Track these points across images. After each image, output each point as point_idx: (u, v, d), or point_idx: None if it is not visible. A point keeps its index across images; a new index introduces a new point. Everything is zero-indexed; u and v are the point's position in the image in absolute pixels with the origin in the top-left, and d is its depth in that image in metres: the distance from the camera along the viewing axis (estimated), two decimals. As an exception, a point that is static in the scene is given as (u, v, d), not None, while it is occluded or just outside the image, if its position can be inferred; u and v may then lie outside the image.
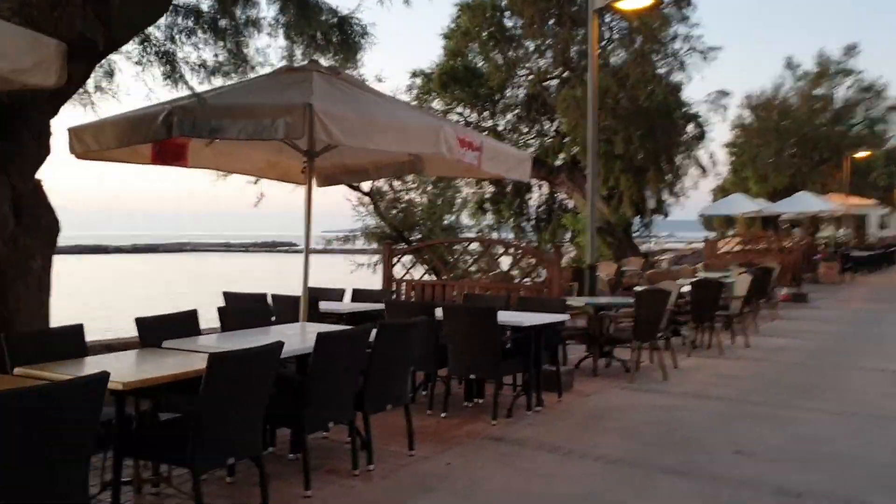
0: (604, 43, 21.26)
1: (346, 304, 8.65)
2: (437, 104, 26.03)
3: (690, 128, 20.45)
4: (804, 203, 27.65)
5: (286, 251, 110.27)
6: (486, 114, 25.49)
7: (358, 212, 12.05)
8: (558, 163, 23.79)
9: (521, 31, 21.73)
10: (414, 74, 25.65)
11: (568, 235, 25.29)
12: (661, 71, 20.26)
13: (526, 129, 25.87)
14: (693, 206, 29.23)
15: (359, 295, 9.33)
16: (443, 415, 7.30)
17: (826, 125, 33.48)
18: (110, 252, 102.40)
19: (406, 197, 12.41)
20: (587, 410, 7.84)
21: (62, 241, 6.40)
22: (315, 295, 9.49)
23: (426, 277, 12.67)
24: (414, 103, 26.06)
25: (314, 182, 9.06)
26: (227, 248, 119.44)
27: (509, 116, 25.85)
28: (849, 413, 7.79)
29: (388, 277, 9.88)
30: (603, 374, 9.73)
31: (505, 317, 7.40)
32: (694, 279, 11.73)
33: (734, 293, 12.59)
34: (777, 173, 32.80)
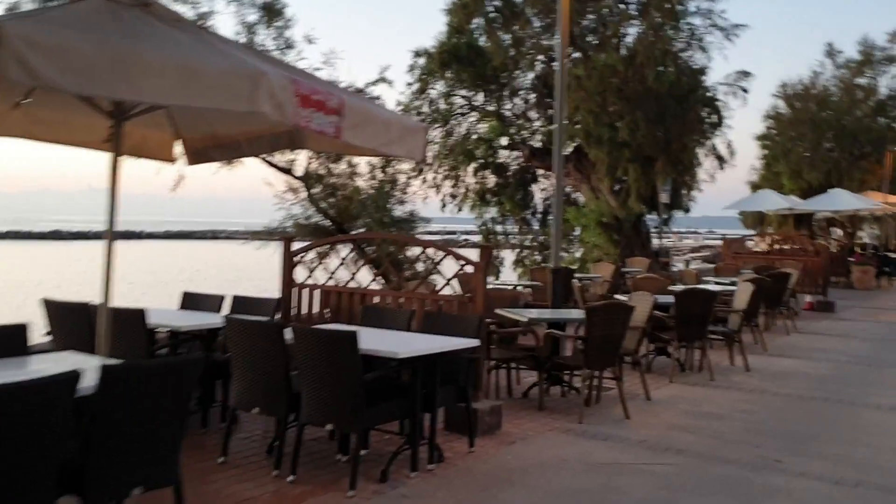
0: (617, 18, 19.16)
1: (183, 319, 6.73)
2: (440, 86, 24.24)
3: (707, 113, 18.22)
4: (838, 201, 25.18)
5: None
6: (493, 97, 23.53)
7: (285, 200, 10.28)
8: (565, 152, 21.69)
9: (524, 3, 19.68)
10: (417, 54, 23.81)
11: (578, 231, 23.22)
12: (679, 48, 18.05)
13: (536, 116, 23.83)
14: (726, 200, 26.79)
15: (240, 305, 7.49)
16: (290, 478, 5.43)
17: (868, 117, 30.83)
18: (143, 238, 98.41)
19: (349, 182, 10.58)
20: (497, 468, 5.92)
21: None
22: (190, 302, 7.72)
23: (374, 284, 10.79)
24: (416, 86, 24.34)
25: (184, 160, 7.29)
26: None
27: (517, 101, 23.88)
28: (851, 482, 5.78)
29: (286, 282, 8.03)
30: (553, 408, 7.81)
31: (379, 342, 5.52)
32: (680, 289, 9.71)
33: (736, 305, 10.55)
34: (812, 168, 30.28)
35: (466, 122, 24.51)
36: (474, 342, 5.99)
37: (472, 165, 22.86)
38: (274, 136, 6.55)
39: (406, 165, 10.94)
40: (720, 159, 19.68)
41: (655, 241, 24.30)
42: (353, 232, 10.68)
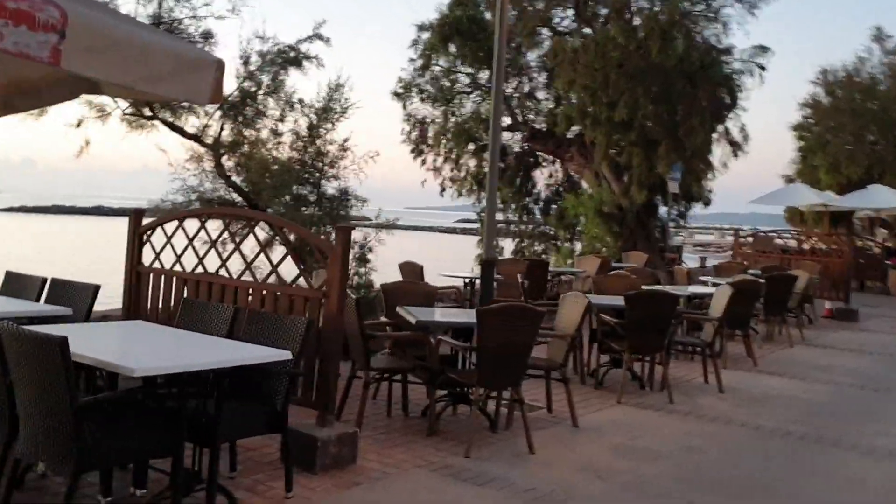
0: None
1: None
2: (444, 62, 22.63)
3: (723, 94, 16.27)
4: (877, 198, 22.92)
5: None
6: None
7: (187, 170, 8.75)
8: (570, 134, 19.91)
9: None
10: (421, 28, 22.24)
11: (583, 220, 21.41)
12: (691, 20, 16.14)
13: (545, 97, 22.05)
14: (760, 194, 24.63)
15: (56, 290, 6.03)
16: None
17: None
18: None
19: (266, 153, 9.05)
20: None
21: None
22: (13, 285, 6.32)
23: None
24: (420, 62, 22.73)
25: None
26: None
27: (523, 80, 22.12)
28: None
29: (131, 266, 6.53)
30: (448, 433, 6.24)
31: (123, 351, 4.00)
32: (634, 292, 7.99)
33: (711, 312, 8.83)
34: (851, 162, 27.92)
35: (470, 101, 22.89)
36: (284, 354, 4.42)
37: (470, 147, 21.17)
38: (71, 80, 5.03)
39: (339, 135, 9.36)
40: (734, 145, 17.71)
41: (674, 236, 22.47)
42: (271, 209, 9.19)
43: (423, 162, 22.85)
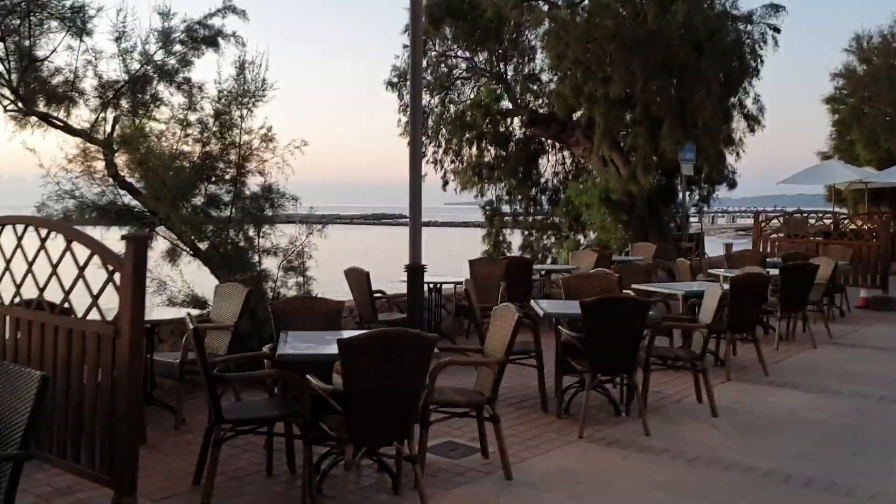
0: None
1: None
2: (438, 47, 21.16)
3: (733, 62, 14.47)
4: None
5: (389, 224, 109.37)
6: (494, 56, 20.28)
7: (66, 172, 7.33)
8: (575, 117, 18.24)
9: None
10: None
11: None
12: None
13: (548, 79, 20.38)
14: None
15: None
16: None
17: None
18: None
19: (166, 148, 7.61)
20: None
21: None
22: None
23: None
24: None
25: None
26: (337, 219, 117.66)
27: (526, 61, 20.51)
28: None
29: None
30: (336, 497, 4.78)
31: None
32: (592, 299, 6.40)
33: (700, 317, 7.24)
34: (891, 134, 25.77)
35: (469, 87, 21.39)
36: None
37: (466, 136, 19.67)
38: None
39: (256, 122, 7.96)
40: (750, 119, 15.87)
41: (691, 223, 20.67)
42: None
43: (423, 155, 21.39)
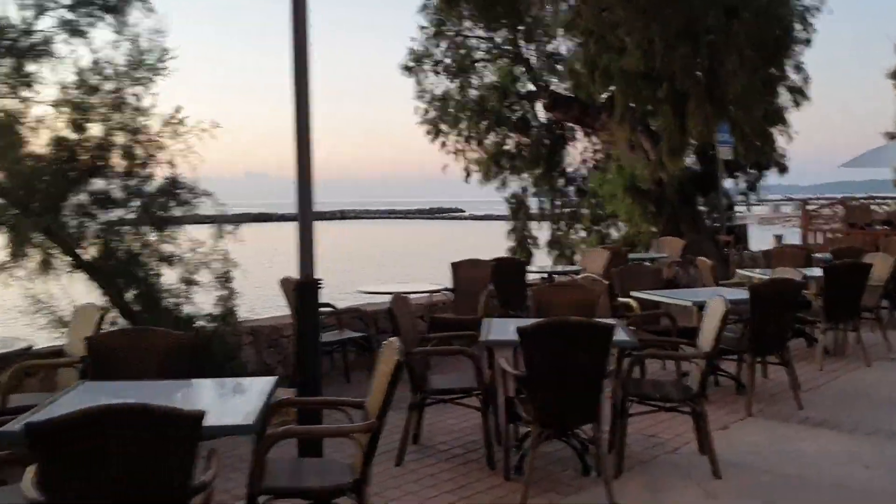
0: None
1: None
2: (455, 26, 19.50)
3: (778, 28, 12.42)
4: None
5: (444, 218, 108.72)
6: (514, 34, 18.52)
7: None
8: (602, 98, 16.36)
9: None
10: (430, -12, 19.23)
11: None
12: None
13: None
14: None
15: None
16: None
17: None
18: (275, 220, 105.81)
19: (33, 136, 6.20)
20: None
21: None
22: None
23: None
24: (432, 31, 19.65)
25: None
26: (391, 214, 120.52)
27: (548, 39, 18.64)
28: None
29: None
30: None
31: None
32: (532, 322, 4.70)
33: (700, 343, 5.47)
34: (966, 110, 23.15)
35: (489, 70, 19.65)
36: None
37: (485, 122, 17.98)
38: None
39: (152, 101, 6.48)
40: (794, 92, 13.76)
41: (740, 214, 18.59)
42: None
43: (444, 144, 19.78)
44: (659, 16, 11.14)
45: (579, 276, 7.43)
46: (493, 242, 19.91)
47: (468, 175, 19.82)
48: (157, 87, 6.62)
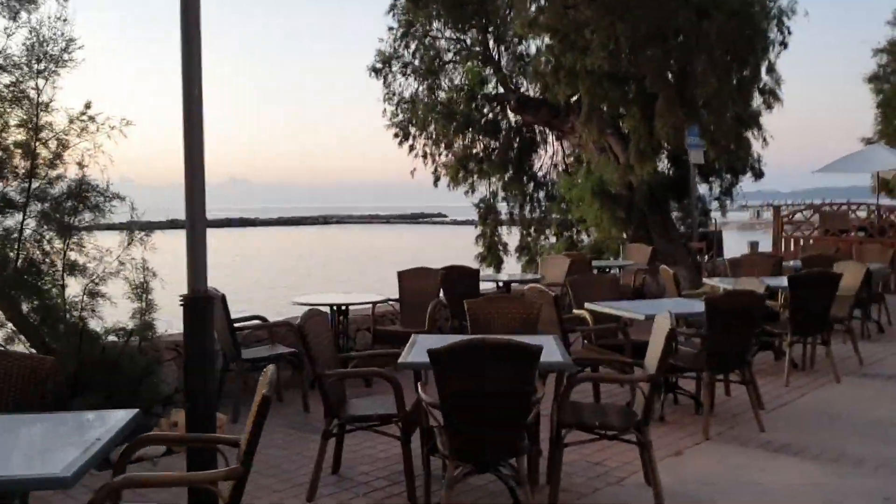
0: None
1: None
2: (422, 27, 19.00)
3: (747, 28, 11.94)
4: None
5: (427, 223, 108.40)
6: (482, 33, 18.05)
7: None
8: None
9: None
10: (400, -10, 18.75)
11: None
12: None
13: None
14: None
15: None
16: None
17: None
18: (257, 225, 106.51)
19: None
20: None
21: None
22: None
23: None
24: (401, 31, 19.11)
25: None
26: (372, 220, 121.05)
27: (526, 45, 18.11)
28: None
29: None
30: None
31: None
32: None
33: (646, 364, 4.94)
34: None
35: (458, 72, 19.13)
36: None
37: (452, 125, 17.46)
38: None
39: (63, 100, 5.89)
40: (767, 94, 13.29)
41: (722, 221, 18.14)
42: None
43: (412, 148, 19.25)
44: (627, 15, 10.64)
45: (527, 287, 6.88)
46: (471, 247, 19.43)
47: (437, 179, 19.32)
48: (72, 80, 6.03)
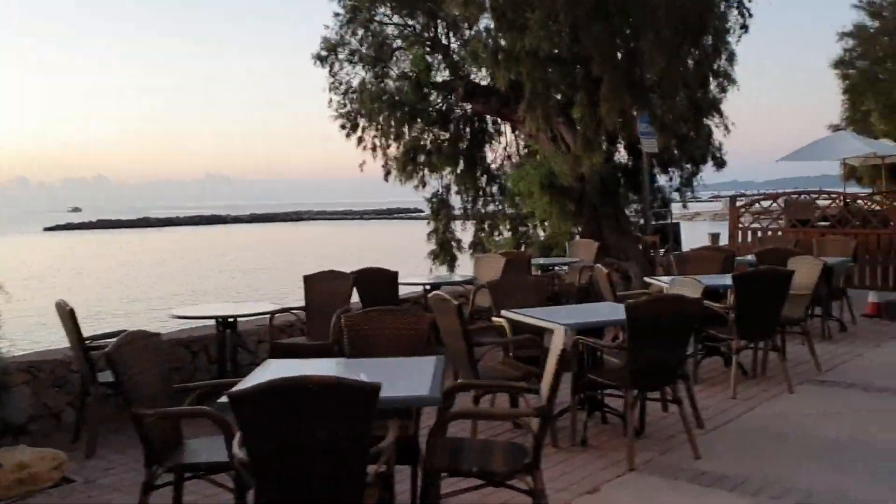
0: None
1: None
2: (367, 13, 18.04)
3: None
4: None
5: (403, 218, 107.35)
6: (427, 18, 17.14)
7: None
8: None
9: None
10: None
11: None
12: None
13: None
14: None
15: None
16: None
17: None
18: (228, 222, 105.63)
19: None
20: None
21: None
22: None
23: None
24: (347, 17, 18.14)
25: None
26: (345, 216, 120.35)
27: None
28: None
29: None
30: None
31: None
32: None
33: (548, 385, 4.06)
34: (911, 100, 22.34)
35: (407, 59, 18.19)
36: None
37: (398, 115, 16.55)
38: None
39: None
40: (720, 77, 12.45)
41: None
42: None
43: (361, 140, 18.31)
44: (567, -9, 9.76)
45: (431, 294, 5.98)
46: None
47: (388, 173, 18.41)
48: None
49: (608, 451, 5.36)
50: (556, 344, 3.70)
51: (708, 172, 16.75)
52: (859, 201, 15.19)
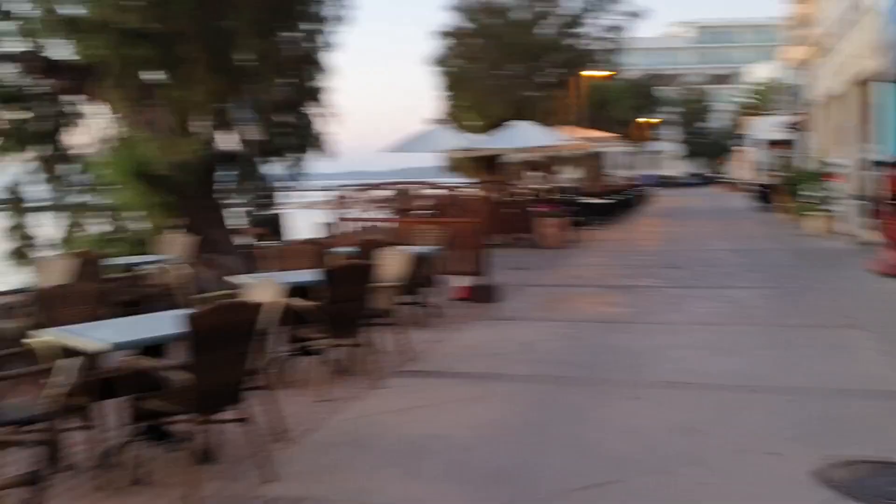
0: None
1: None
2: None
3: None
4: (521, 136, 19.46)
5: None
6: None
7: None
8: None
9: None
10: None
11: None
12: None
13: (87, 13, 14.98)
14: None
15: None
16: None
17: (557, 35, 25.58)
18: None
19: None
20: None
21: None
22: None
23: None
24: None
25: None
26: None
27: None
28: None
29: None
30: None
31: None
32: None
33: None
34: (498, 98, 24.61)
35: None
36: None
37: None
38: None
39: None
40: (307, 63, 12.25)
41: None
42: None
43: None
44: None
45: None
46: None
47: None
48: None
49: (171, 486, 4.62)
50: (60, 370, 2.87)
51: (325, 162, 16.60)
52: (463, 191, 16.19)
